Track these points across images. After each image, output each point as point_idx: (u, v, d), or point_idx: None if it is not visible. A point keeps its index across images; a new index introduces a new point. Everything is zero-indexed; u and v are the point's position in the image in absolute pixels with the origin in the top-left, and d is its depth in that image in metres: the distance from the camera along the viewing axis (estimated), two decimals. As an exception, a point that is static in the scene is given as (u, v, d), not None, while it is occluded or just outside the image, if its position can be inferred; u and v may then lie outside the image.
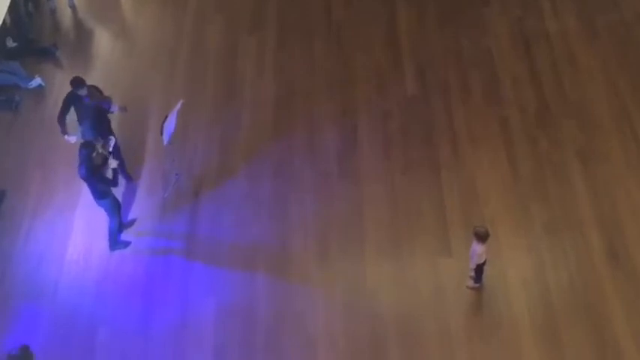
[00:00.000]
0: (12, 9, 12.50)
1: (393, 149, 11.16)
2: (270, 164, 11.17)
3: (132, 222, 10.67)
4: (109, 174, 9.80)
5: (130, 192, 10.99)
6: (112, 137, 10.04)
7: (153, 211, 10.81)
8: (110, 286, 10.10)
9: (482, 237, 8.90)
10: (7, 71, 12.39)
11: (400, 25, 12.87)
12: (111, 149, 9.83)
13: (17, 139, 11.83)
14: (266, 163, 11.18)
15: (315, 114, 11.74)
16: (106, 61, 12.89)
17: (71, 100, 10.47)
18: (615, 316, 9.21)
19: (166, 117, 10.31)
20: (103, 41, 13.28)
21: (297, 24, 13.14)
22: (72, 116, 10.61)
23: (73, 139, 10.48)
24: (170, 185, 11.01)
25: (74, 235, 10.63)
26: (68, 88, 10.46)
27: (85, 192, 10.38)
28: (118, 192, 10.43)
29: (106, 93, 10.87)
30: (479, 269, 9.31)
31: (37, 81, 12.48)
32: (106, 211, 10.14)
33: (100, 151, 9.58)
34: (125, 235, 10.49)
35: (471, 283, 9.56)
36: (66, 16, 13.81)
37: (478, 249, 8.99)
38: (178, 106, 10.54)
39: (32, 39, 13.27)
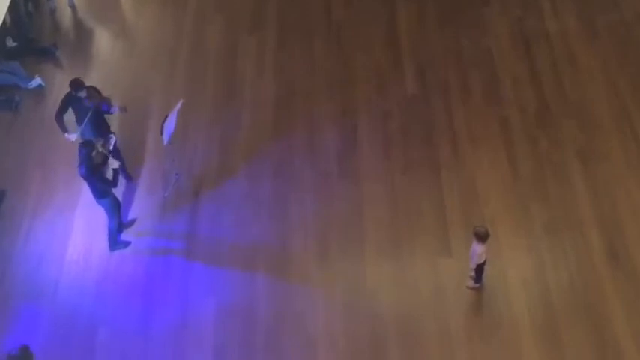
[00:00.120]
0: (12, 9, 12.50)
1: (393, 149, 11.16)
2: (270, 164, 11.17)
3: (132, 222, 10.67)
4: (110, 174, 9.80)
5: (130, 192, 10.99)
6: (113, 135, 10.04)
7: (153, 211, 10.81)
8: (110, 286, 10.10)
9: (482, 237, 8.90)
10: (7, 71, 12.39)
11: (400, 25, 12.87)
12: (111, 147, 9.83)
13: (17, 139, 11.83)
14: (266, 163, 11.18)
15: (315, 114, 11.74)
16: (106, 61, 12.89)
17: (69, 101, 10.46)
18: (615, 316, 9.21)
19: (166, 117, 10.31)
20: (103, 41, 13.28)
21: (297, 24, 13.14)
22: (69, 116, 10.60)
23: (74, 136, 10.46)
24: (170, 185, 11.01)
25: (74, 235, 10.63)
26: (68, 89, 10.45)
27: (85, 192, 10.39)
28: (118, 192, 10.42)
29: (106, 93, 10.87)
30: (479, 269, 9.31)
31: (37, 81, 12.48)
32: (105, 210, 10.14)
33: (100, 150, 9.58)
34: (125, 235, 10.49)
35: (471, 283, 9.56)
36: (66, 16, 13.81)
37: (478, 249, 8.99)
38: (178, 106, 10.55)
39: (32, 39, 13.27)
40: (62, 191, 11.09)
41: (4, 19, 11.10)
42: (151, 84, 12.43)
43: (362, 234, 10.27)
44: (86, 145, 9.58)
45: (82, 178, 9.88)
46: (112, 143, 9.86)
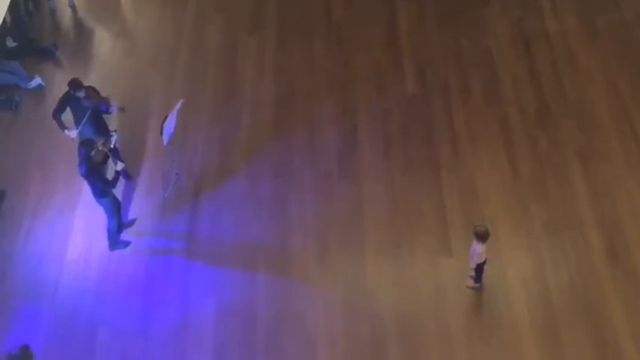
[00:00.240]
0: (12, 8, 12.50)
1: (393, 149, 11.16)
2: (270, 164, 11.17)
3: (132, 222, 10.67)
4: (111, 175, 9.80)
5: (130, 192, 10.99)
6: (114, 134, 10.04)
7: (153, 211, 10.81)
8: (110, 286, 10.10)
9: (482, 236, 8.90)
10: (7, 71, 12.39)
11: (400, 25, 12.87)
12: (112, 146, 9.83)
13: (17, 139, 11.83)
14: (266, 163, 11.18)
15: (315, 114, 11.74)
16: (106, 61, 12.89)
17: (67, 101, 10.46)
18: (615, 316, 9.21)
19: (166, 117, 10.31)
20: (103, 41, 13.28)
21: (297, 24, 13.14)
22: (66, 117, 10.58)
23: (74, 133, 10.41)
24: (170, 185, 11.01)
25: (74, 235, 10.63)
26: (67, 89, 10.46)
27: (85, 192, 10.40)
28: (118, 191, 10.43)
29: (106, 93, 10.88)
30: (479, 269, 9.31)
31: (37, 81, 12.48)
32: (105, 210, 10.14)
33: (101, 148, 9.57)
34: (125, 235, 10.49)
35: (471, 283, 9.56)
36: (66, 16, 13.81)
37: (478, 249, 8.99)
38: (178, 106, 10.55)
39: (32, 39, 13.27)
40: (62, 191, 11.09)
41: (4, 19, 11.10)
42: (151, 84, 12.44)
43: (362, 234, 10.27)
44: (86, 144, 9.58)
45: (82, 178, 9.89)
46: (113, 141, 9.86)
